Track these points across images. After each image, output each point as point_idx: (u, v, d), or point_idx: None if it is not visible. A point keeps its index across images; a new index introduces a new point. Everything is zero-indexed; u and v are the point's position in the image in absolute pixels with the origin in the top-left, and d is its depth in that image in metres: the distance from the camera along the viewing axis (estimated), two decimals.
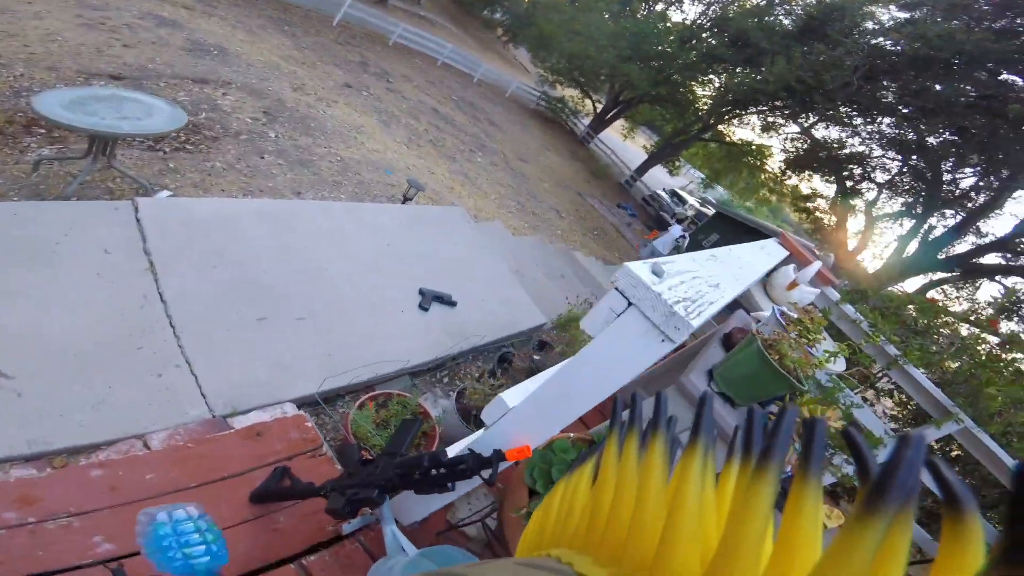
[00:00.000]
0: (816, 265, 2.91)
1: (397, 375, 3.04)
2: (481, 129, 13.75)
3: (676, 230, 8.56)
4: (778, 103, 13.94)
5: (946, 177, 12.59)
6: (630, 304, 1.12)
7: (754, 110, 16.55)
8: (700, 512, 0.29)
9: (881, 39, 12.15)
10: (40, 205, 2.78)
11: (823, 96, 12.12)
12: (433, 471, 1.29)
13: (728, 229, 17.17)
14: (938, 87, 10.84)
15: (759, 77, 12.48)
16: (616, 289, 1.15)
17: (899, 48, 11.25)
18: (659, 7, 20.83)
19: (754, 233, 16.74)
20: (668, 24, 18.81)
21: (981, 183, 12.33)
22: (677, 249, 8.65)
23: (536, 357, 3.74)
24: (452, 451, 1.68)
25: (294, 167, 4.76)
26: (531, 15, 24.22)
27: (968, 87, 10.77)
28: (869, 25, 13.31)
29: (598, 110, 22.54)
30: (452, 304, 3.73)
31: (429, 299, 3.60)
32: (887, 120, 13.17)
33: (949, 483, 0.20)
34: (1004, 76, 10.64)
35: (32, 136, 3.81)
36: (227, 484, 1.78)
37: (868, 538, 0.19)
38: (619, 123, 23.59)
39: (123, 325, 2.22)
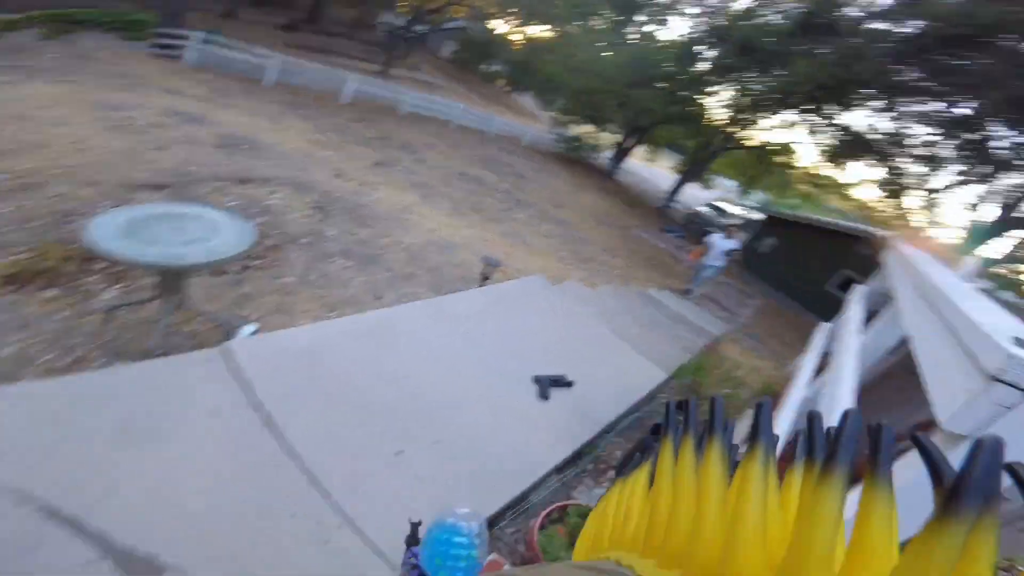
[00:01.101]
0: None
1: (545, 477, 2.66)
2: (511, 184, 13.73)
3: (718, 240, 7.96)
4: (808, 102, 13.31)
5: (992, 143, 11.81)
6: None
7: (780, 111, 15.96)
8: (764, 515, 0.29)
9: (891, 24, 11.60)
10: (128, 371, 2.48)
11: (857, 86, 11.61)
12: None
13: (784, 231, 16.37)
14: (967, 63, 10.34)
15: (788, 78, 12.03)
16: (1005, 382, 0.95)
17: (918, 29, 10.84)
18: (647, 28, 20.93)
19: (816, 231, 15.95)
20: (662, 44, 18.71)
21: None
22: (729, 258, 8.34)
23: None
24: None
25: (364, 266, 4.55)
26: (528, 60, 24.69)
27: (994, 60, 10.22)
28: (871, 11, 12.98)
29: (618, 142, 22.49)
30: (569, 384, 3.32)
31: (546, 386, 3.19)
32: (926, 101, 12.47)
33: None
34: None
35: (92, 274, 3.44)
36: None
37: (945, 544, 0.19)
38: (641, 149, 23.44)
39: (265, 491, 1.91)
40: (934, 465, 0.22)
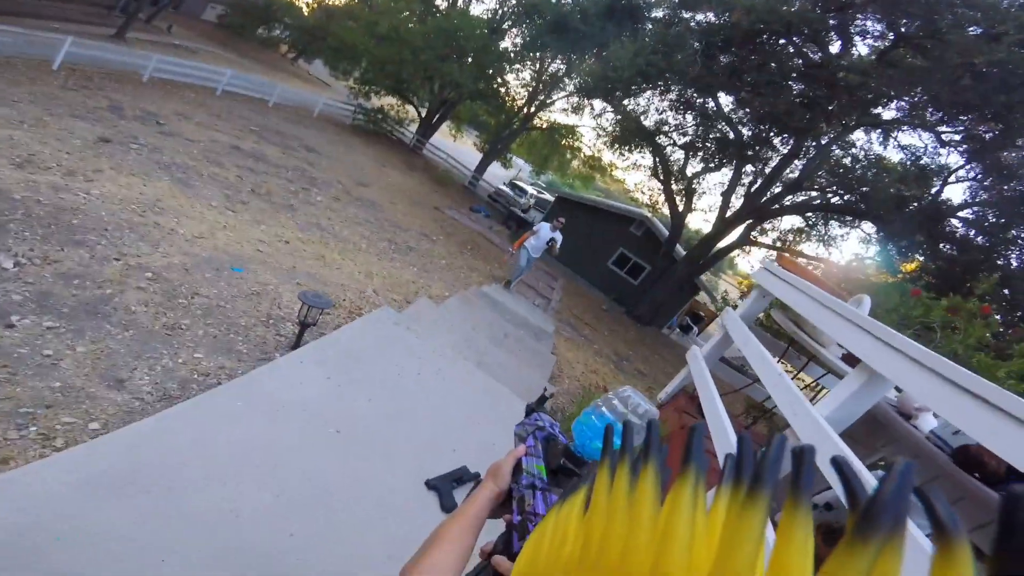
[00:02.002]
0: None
1: None
2: (302, 159, 11.48)
3: (545, 229, 7.63)
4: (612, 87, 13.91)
5: (752, 138, 14.25)
6: None
7: (583, 95, 16.72)
8: (691, 539, 0.29)
9: (711, 15, 12.51)
10: None
11: (676, 78, 12.42)
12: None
13: (571, 211, 17.65)
14: (772, 63, 11.56)
15: (612, 64, 12.29)
16: None
17: (730, 23, 11.46)
18: (460, 2, 20.09)
19: (598, 212, 17.53)
20: (475, 18, 18.14)
21: (786, 145, 14.13)
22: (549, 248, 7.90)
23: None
24: None
25: (78, 325, 2.51)
26: (323, 26, 21.86)
27: (798, 60, 11.90)
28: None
29: (422, 115, 21.26)
30: (475, 477, 2.31)
31: (448, 492, 2.11)
32: (728, 96, 13.87)
33: (938, 512, 0.20)
34: (828, 46, 11.88)
35: None
36: None
37: (857, 564, 0.20)
38: (446, 125, 22.72)
39: None
40: (849, 487, 0.22)
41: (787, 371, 3.56)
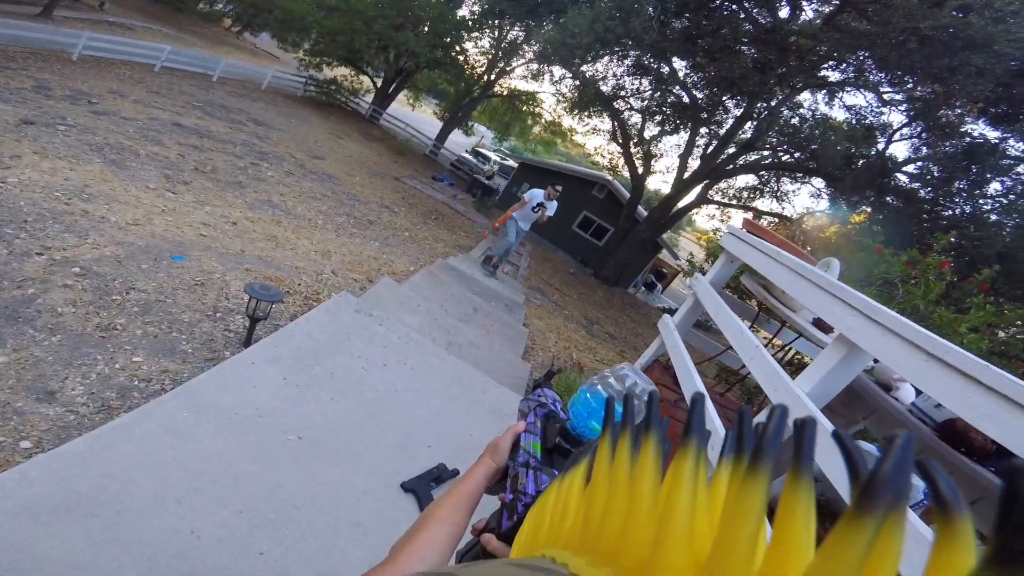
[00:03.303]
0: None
1: None
2: (250, 133, 10.81)
3: (538, 196, 6.88)
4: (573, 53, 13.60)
5: (705, 101, 14.33)
6: None
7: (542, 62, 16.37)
8: (692, 512, 0.29)
9: None
10: None
11: (633, 43, 12.26)
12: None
13: (535, 177, 17.46)
14: (725, 28, 11.50)
15: (570, 30, 11.91)
16: None
17: None
18: None
19: (561, 176, 17.36)
20: None
21: (738, 108, 14.27)
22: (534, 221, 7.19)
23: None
24: None
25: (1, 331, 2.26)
26: None
27: (749, 25, 11.84)
28: None
29: (378, 85, 20.42)
30: (453, 474, 2.21)
31: (426, 493, 2.01)
32: (683, 61, 13.78)
33: (938, 484, 0.20)
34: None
35: None
36: None
37: (859, 539, 0.20)
38: (403, 94, 21.91)
39: None
40: (851, 461, 0.22)
41: (759, 336, 3.59)
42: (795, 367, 5.16)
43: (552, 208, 6.83)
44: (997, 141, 10.61)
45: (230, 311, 2.92)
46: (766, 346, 2.78)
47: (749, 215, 16.15)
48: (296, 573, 1.47)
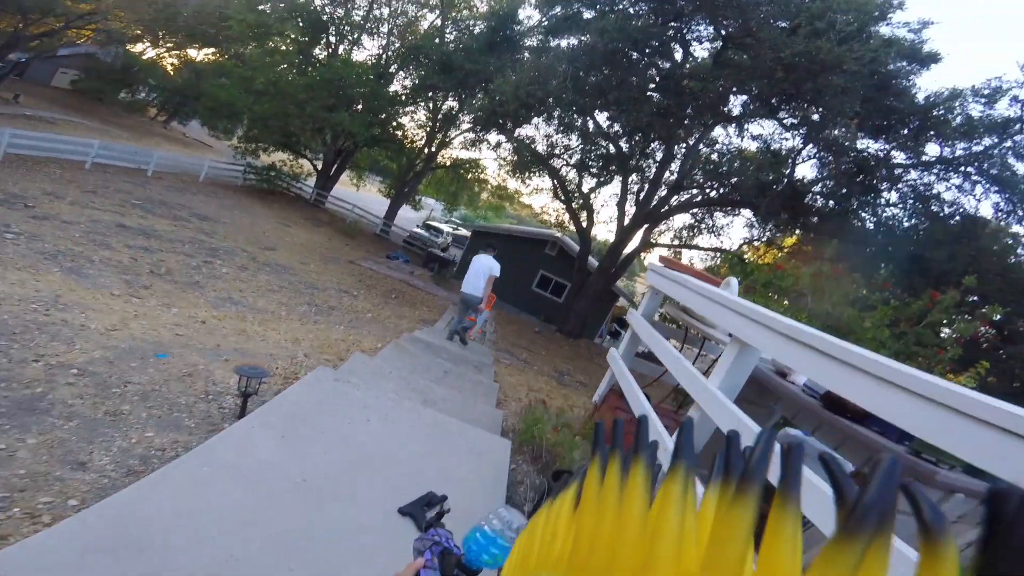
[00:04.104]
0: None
1: None
2: (196, 229, 10.99)
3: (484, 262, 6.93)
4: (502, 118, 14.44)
5: (630, 150, 15.55)
6: None
7: (479, 129, 17.28)
8: (681, 535, 0.29)
9: (574, 39, 13.35)
10: None
11: (554, 103, 13.17)
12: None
13: (488, 243, 18.09)
14: (633, 79, 12.32)
15: (497, 98, 12.86)
16: None
17: (590, 46, 12.02)
18: (341, 50, 20.14)
19: (514, 239, 18.22)
20: (359, 64, 18.12)
21: (659, 152, 15.46)
22: None
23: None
24: None
25: (20, 421, 2.35)
26: (194, 86, 20.93)
27: (652, 72, 12.91)
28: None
29: (319, 167, 20.90)
30: (442, 499, 2.47)
31: (421, 514, 2.27)
32: (600, 116, 14.71)
33: (922, 506, 0.20)
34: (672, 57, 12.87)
35: None
36: None
37: (846, 561, 0.20)
38: (346, 175, 22.45)
39: None
40: (837, 485, 0.22)
41: (687, 352, 4.11)
42: None
43: (492, 264, 6.99)
44: (881, 153, 11.65)
45: (220, 393, 3.19)
46: (694, 362, 3.28)
47: (692, 253, 17.33)
48: None
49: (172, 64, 26.05)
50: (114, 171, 13.67)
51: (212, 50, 23.95)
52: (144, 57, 24.90)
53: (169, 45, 24.22)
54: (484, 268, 6.88)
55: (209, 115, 19.22)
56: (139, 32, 22.34)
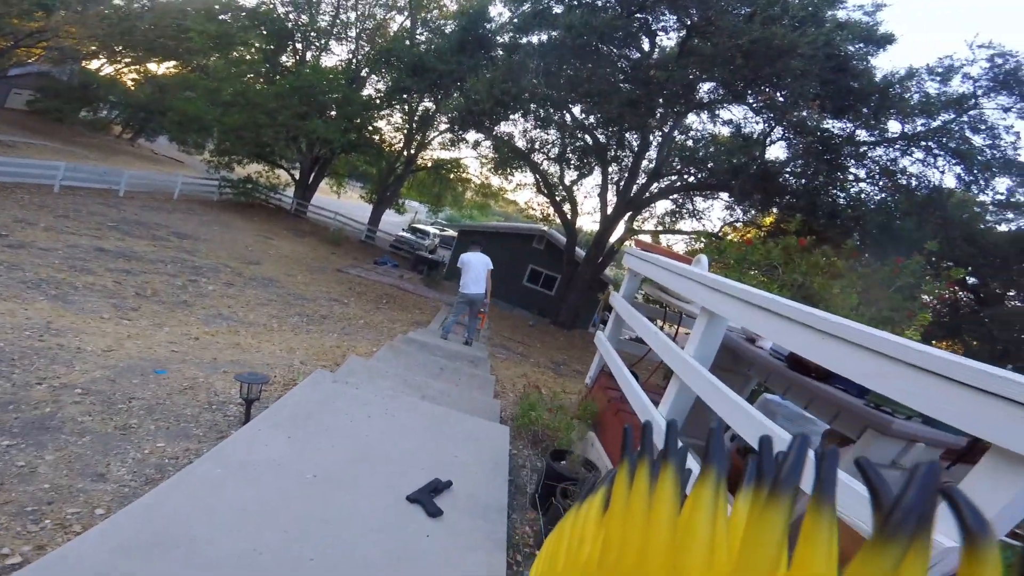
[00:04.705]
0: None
1: None
2: (177, 248, 10.95)
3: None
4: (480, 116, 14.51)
5: (606, 141, 15.79)
6: None
7: (457, 128, 17.33)
8: (712, 540, 0.29)
9: (544, 35, 13.41)
10: None
11: (524, 101, 13.31)
12: None
13: (476, 241, 18.27)
14: (605, 70, 12.51)
15: (473, 97, 12.95)
16: None
17: (563, 42, 12.08)
18: (309, 56, 19.98)
19: (501, 236, 18.37)
20: (330, 70, 17.98)
21: (635, 141, 15.69)
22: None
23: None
24: None
25: (35, 440, 2.44)
26: (158, 100, 20.58)
27: (622, 63, 13.07)
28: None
29: (296, 177, 20.78)
30: (449, 485, 2.65)
31: (429, 500, 2.44)
32: (575, 109, 14.89)
33: (963, 511, 0.20)
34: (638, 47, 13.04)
35: None
36: None
37: (884, 564, 0.20)
38: (325, 182, 22.31)
39: None
40: (874, 489, 0.22)
41: (667, 329, 4.31)
42: None
43: (486, 260, 7.20)
44: (845, 132, 12.06)
45: (223, 403, 3.31)
46: (673, 339, 3.46)
47: (676, 238, 17.70)
48: (339, 569, 1.90)
49: (133, 79, 25.55)
50: (84, 193, 13.47)
51: (174, 63, 23.65)
52: (102, 74, 24.37)
53: (127, 60, 23.71)
54: (482, 265, 7.05)
55: (177, 130, 18.94)
56: (94, 48, 21.77)
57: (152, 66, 24.78)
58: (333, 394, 3.26)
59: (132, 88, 25.00)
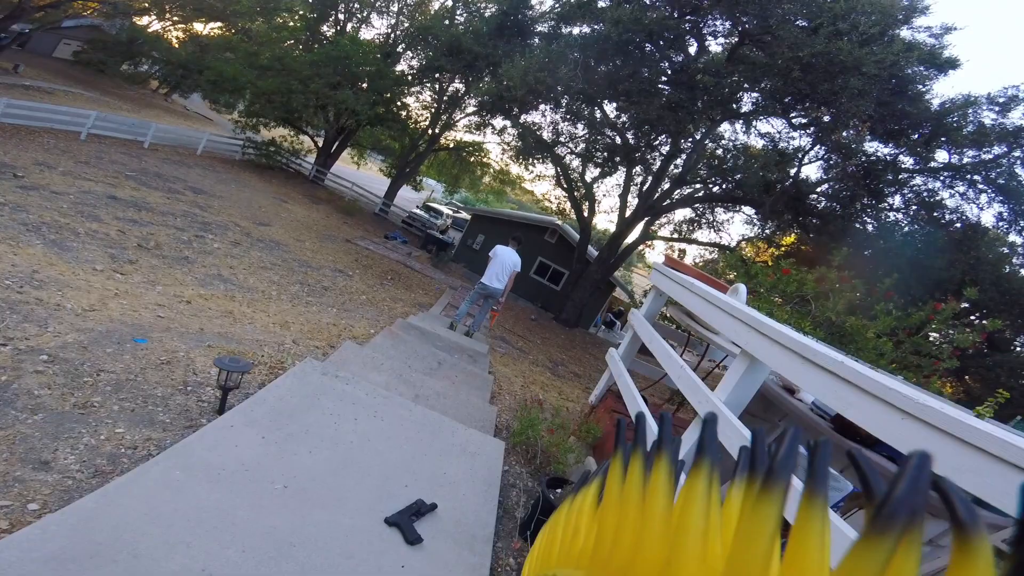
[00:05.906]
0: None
1: None
2: (190, 203, 10.78)
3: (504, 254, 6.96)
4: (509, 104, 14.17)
5: (636, 142, 15.33)
6: None
7: (485, 113, 17.04)
8: (706, 531, 0.29)
9: (586, 27, 13.03)
10: None
11: (558, 92, 12.93)
12: None
13: (490, 228, 18.03)
14: (644, 70, 12.16)
15: (505, 83, 12.57)
16: None
17: (603, 35, 11.67)
18: (349, 27, 19.76)
19: (513, 225, 18.03)
20: (367, 43, 17.86)
21: (665, 145, 15.25)
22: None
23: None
24: None
25: None
26: (198, 59, 20.59)
27: (664, 64, 12.67)
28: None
29: (319, 144, 20.64)
30: (432, 508, 2.39)
31: (409, 525, 2.18)
32: (608, 107, 14.55)
33: (955, 503, 0.20)
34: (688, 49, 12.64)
35: None
36: None
37: (876, 557, 0.20)
38: (346, 152, 22.15)
39: None
40: (866, 482, 0.22)
41: (689, 359, 4.02)
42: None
43: (517, 260, 7.01)
44: (890, 157, 11.58)
45: (199, 384, 3.04)
46: (695, 368, 3.17)
47: (693, 248, 17.27)
48: None
49: (177, 37, 25.79)
50: (110, 142, 13.43)
51: (219, 24, 23.74)
52: (149, 30, 24.59)
53: (176, 18, 23.88)
54: (510, 263, 6.87)
55: (211, 89, 18.99)
56: (146, 5, 22.12)
57: (198, 26, 24.93)
58: (320, 389, 3.00)
59: (175, 45, 25.24)
